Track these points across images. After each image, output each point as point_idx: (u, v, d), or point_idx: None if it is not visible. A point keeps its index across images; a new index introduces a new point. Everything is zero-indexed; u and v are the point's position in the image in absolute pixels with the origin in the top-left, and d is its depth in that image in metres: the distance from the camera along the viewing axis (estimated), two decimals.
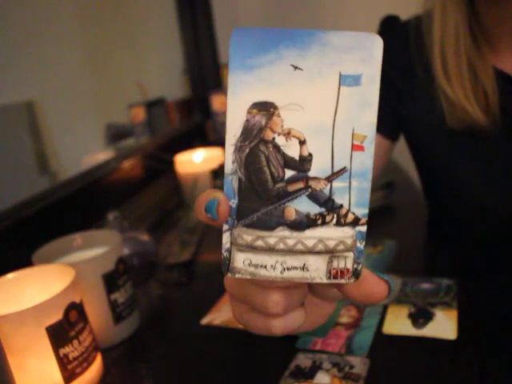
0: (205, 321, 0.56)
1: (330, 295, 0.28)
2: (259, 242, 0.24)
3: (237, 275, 0.25)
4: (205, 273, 0.71)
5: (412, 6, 0.66)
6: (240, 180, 0.24)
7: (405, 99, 0.64)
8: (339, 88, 0.23)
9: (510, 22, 0.56)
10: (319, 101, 0.23)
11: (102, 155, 1.15)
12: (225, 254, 0.25)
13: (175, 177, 1.00)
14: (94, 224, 0.72)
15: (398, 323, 0.51)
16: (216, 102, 1.39)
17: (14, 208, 0.68)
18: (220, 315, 0.57)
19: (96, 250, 0.57)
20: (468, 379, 0.44)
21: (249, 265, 0.24)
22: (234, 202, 0.24)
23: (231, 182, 0.24)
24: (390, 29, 0.67)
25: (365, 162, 0.23)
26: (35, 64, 1.05)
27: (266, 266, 0.24)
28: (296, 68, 0.23)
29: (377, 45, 0.23)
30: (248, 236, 0.24)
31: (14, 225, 0.64)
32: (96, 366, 0.47)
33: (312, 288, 0.29)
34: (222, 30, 1.52)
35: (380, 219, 0.85)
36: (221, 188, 0.25)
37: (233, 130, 0.23)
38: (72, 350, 0.44)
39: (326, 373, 0.45)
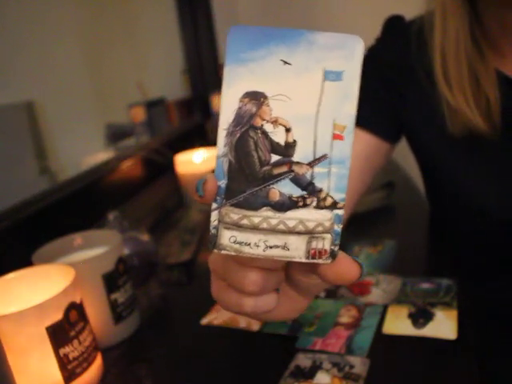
0: (205, 321, 0.56)
1: (304, 283, 0.30)
2: (245, 221, 0.26)
3: (222, 251, 0.26)
4: (205, 273, 0.71)
5: (406, 7, 0.66)
6: (230, 162, 0.26)
7: (406, 101, 0.64)
8: (323, 82, 0.25)
9: None
10: (305, 93, 0.26)
11: (102, 155, 1.15)
12: (212, 230, 0.26)
13: (175, 177, 1.00)
14: (94, 224, 0.72)
15: (398, 323, 0.51)
16: (216, 102, 1.39)
17: (13, 208, 0.68)
18: (220, 315, 0.57)
19: (96, 249, 0.57)
20: (468, 379, 0.44)
21: (234, 242, 0.26)
22: (223, 183, 0.26)
23: (222, 163, 0.26)
24: (392, 29, 0.67)
25: (344, 150, 0.25)
26: (35, 64, 1.06)
27: (250, 244, 0.26)
28: (285, 63, 0.25)
29: (358, 45, 0.25)
30: (235, 215, 0.26)
31: (13, 225, 0.64)
32: (96, 366, 0.47)
33: (289, 275, 0.30)
34: (222, 29, 1.52)
35: (380, 219, 0.85)
36: None
37: (226, 116, 0.26)
38: (72, 350, 0.44)
39: (326, 373, 0.45)
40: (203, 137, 1.42)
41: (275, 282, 0.29)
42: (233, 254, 0.26)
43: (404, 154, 0.76)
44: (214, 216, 0.26)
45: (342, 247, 0.26)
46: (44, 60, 1.08)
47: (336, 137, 0.25)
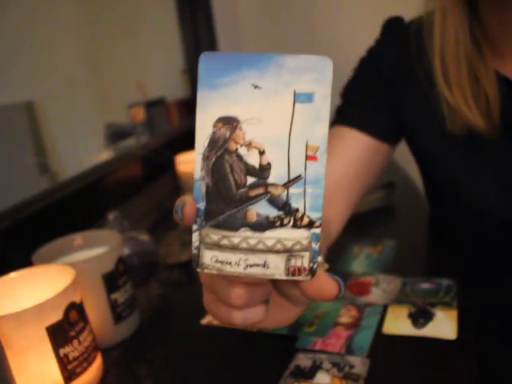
0: (205, 321, 0.56)
1: (292, 295, 0.31)
2: (225, 241, 0.27)
3: (205, 270, 0.27)
4: None
5: (406, 7, 0.66)
6: (207, 185, 0.27)
7: (405, 102, 0.64)
8: (294, 105, 0.26)
9: None
10: (276, 116, 0.26)
11: (102, 155, 1.15)
12: (194, 251, 0.27)
13: (175, 177, 1.00)
14: (94, 224, 0.72)
15: (398, 323, 0.51)
16: None
17: (13, 208, 0.68)
18: None
19: (96, 249, 0.57)
20: (468, 379, 0.44)
21: (216, 261, 0.27)
22: (202, 205, 0.27)
23: (200, 186, 0.27)
24: (391, 30, 0.67)
25: (318, 170, 0.26)
26: (35, 64, 1.05)
27: (230, 263, 0.27)
28: (256, 87, 0.26)
29: (328, 66, 0.26)
30: (215, 235, 0.27)
31: (13, 225, 0.64)
32: (96, 366, 0.47)
33: (277, 287, 0.31)
34: (222, 30, 1.52)
35: (380, 219, 0.85)
36: None
37: (201, 141, 0.27)
38: (72, 350, 0.44)
39: (326, 373, 0.45)
40: None
41: (261, 295, 0.30)
42: (215, 272, 0.27)
43: (404, 154, 0.76)
44: (195, 237, 0.27)
45: (343, 247, 0.26)
46: (44, 60, 1.08)
47: (309, 158, 0.26)
